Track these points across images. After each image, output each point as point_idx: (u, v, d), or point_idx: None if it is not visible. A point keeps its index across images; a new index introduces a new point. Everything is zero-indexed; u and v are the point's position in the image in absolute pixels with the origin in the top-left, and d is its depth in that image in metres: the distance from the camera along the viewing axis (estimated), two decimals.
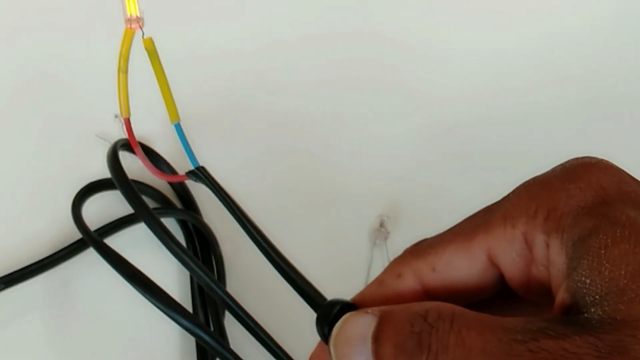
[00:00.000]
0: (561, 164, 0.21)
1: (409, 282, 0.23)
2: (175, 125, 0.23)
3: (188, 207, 0.39)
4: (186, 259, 0.29)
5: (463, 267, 0.22)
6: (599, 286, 0.18)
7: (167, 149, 0.42)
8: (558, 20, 0.50)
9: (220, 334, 0.34)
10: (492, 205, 0.22)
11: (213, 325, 0.35)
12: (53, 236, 0.38)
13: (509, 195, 0.21)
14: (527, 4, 0.50)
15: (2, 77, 0.42)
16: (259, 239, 0.25)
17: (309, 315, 0.40)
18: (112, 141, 0.41)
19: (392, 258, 0.40)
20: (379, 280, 0.24)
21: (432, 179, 0.43)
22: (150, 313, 0.30)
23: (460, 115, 0.45)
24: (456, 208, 0.42)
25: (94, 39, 0.44)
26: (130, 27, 0.23)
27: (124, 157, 0.39)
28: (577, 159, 0.21)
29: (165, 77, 0.23)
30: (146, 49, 0.23)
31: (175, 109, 0.23)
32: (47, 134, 0.42)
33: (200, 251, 0.37)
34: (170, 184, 0.40)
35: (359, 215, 0.41)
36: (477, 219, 0.22)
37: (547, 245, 0.20)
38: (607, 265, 0.18)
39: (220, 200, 0.24)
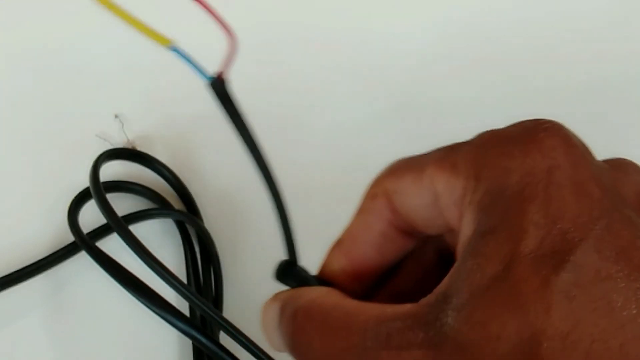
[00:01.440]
0: (520, 125, 0.21)
1: (381, 203, 0.23)
2: (172, 48, 0.21)
3: (188, 209, 0.38)
4: (169, 277, 0.29)
5: (416, 195, 0.22)
6: (466, 294, 0.19)
7: (166, 148, 0.42)
8: None
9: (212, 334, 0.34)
10: (458, 144, 0.22)
11: (210, 327, 0.35)
12: (50, 237, 0.38)
13: (472, 140, 0.21)
14: None
15: (1, 78, 0.42)
16: (258, 159, 0.25)
17: None
18: (112, 141, 0.41)
19: None
20: (361, 209, 0.24)
21: None
22: (147, 315, 0.30)
23: (462, 114, 0.45)
24: None
25: (93, 38, 0.44)
26: None
27: (123, 163, 0.40)
28: (534, 125, 0.21)
29: (132, 18, 0.22)
30: (101, 3, 0.22)
31: (160, 36, 0.21)
32: (46, 134, 0.41)
33: (199, 253, 0.37)
34: (172, 184, 0.39)
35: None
36: (439, 152, 0.22)
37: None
38: (479, 278, 0.19)
39: (228, 116, 0.23)
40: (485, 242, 0.19)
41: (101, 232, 0.37)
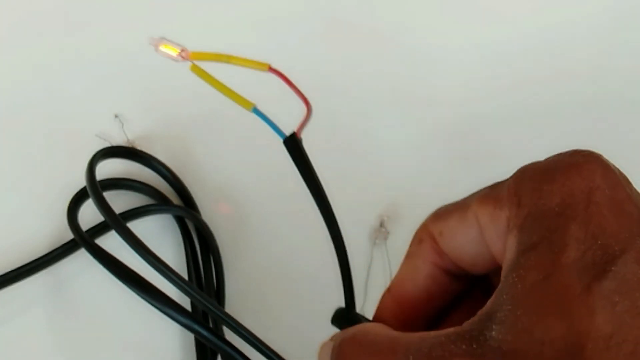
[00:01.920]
0: (559, 155, 0.22)
1: (427, 246, 0.24)
2: (254, 110, 0.25)
3: (187, 204, 0.38)
4: (169, 274, 0.29)
5: (461, 234, 0.23)
6: (508, 306, 0.19)
7: (166, 148, 0.42)
8: (559, 14, 0.49)
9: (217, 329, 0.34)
10: (499, 182, 0.23)
11: (214, 321, 0.34)
12: (50, 235, 0.38)
13: (512, 175, 0.22)
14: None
15: (1, 78, 0.42)
16: (327, 215, 0.27)
17: (306, 313, 0.40)
18: (112, 141, 0.41)
19: (391, 259, 0.40)
20: (408, 254, 0.25)
21: (432, 179, 0.43)
22: (148, 310, 0.30)
23: (460, 116, 0.45)
24: None
25: (94, 39, 0.44)
26: (189, 60, 0.27)
27: (122, 162, 0.40)
28: (572, 153, 0.21)
29: (221, 84, 0.25)
30: (195, 73, 0.26)
31: (245, 99, 0.25)
32: (47, 133, 0.41)
33: (198, 247, 0.37)
34: (168, 180, 0.39)
35: (359, 215, 0.41)
36: (484, 191, 0.23)
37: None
38: (520, 288, 0.19)
39: (301, 174, 0.26)
40: (527, 258, 0.19)
41: (101, 229, 0.37)
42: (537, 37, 0.48)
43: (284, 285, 0.39)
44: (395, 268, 0.40)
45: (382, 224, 0.41)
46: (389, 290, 0.26)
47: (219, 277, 0.36)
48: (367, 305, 0.39)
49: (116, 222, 0.30)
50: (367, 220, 0.41)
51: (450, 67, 0.47)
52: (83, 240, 0.32)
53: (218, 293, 0.36)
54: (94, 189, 0.32)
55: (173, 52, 0.28)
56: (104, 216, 0.31)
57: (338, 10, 0.48)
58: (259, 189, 0.41)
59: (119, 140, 0.41)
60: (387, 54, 0.47)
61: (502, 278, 0.20)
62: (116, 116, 0.42)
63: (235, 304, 0.36)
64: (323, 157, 0.44)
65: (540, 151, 0.25)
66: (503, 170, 0.43)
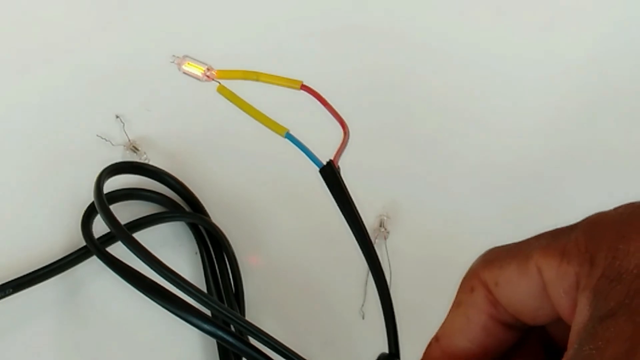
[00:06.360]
0: (632, 206, 0.20)
1: (480, 295, 0.23)
2: (287, 135, 0.24)
3: (196, 210, 0.39)
4: (191, 290, 0.29)
5: (521, 286, 0.21)
6: None
7: (167, 148, 0.42)
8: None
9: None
10: (562, 229, 0.21)
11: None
12: (65, 239, 0.38)
13: (578, 225, 0.21)
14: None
15: (3, 81, 0.42)
16: (367, 250, 0.26)
17: (323, 312, 0.41)
18: (113, 141, 0.42)
19: (391, 258, 0.41)
20: (457, 302, 0.23)
21: (432, 179, 0.44)
22: (168, 314, 0.31)
23: (455, 117, 0.46)
24: (455, 208, 0.43)
25: (93, 39, 0.44)
26: (215, 80, 0.25)
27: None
28: None
29: (251, 107, 0.24)
30: (223, 95, 0.24)
31: (277, 124, 0.24)
32: (61, 142, 0.41)
33: (213, 253, 0.38)
34: (176, 190, 0.40)
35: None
36: (543, 240, 0.21)
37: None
38: None
39: (336, 202, 0.25)
40: (605, 327, 0.18)
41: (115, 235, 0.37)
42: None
43: (299, 285, 0.40)
44: (395, 268, 0.42)
45: (382, 224, 0.42)
46: (437, 340, 0.24)
47: (237, 282, 0.37)
48: (366, 305, 0.41)
49: (134, 244, 0.31)
50: (367, 220, 0.42)
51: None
52: (100, 253, 0.33)
53: (237, 297, 0.37)
54: (105, 211, 0.32)
55: (198, 70, 0.27)
56: (119, 239, 0.31)
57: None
58: (261, 191, 0.42)
59: (119, 140, 0.42)
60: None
61: (574, 344, 0.19)
62: (117, 117, 0.42)
63: (253, 306, 0.37)
64: (325, 155, 0.44)
65: None
66: (496, 174, 0.44)
